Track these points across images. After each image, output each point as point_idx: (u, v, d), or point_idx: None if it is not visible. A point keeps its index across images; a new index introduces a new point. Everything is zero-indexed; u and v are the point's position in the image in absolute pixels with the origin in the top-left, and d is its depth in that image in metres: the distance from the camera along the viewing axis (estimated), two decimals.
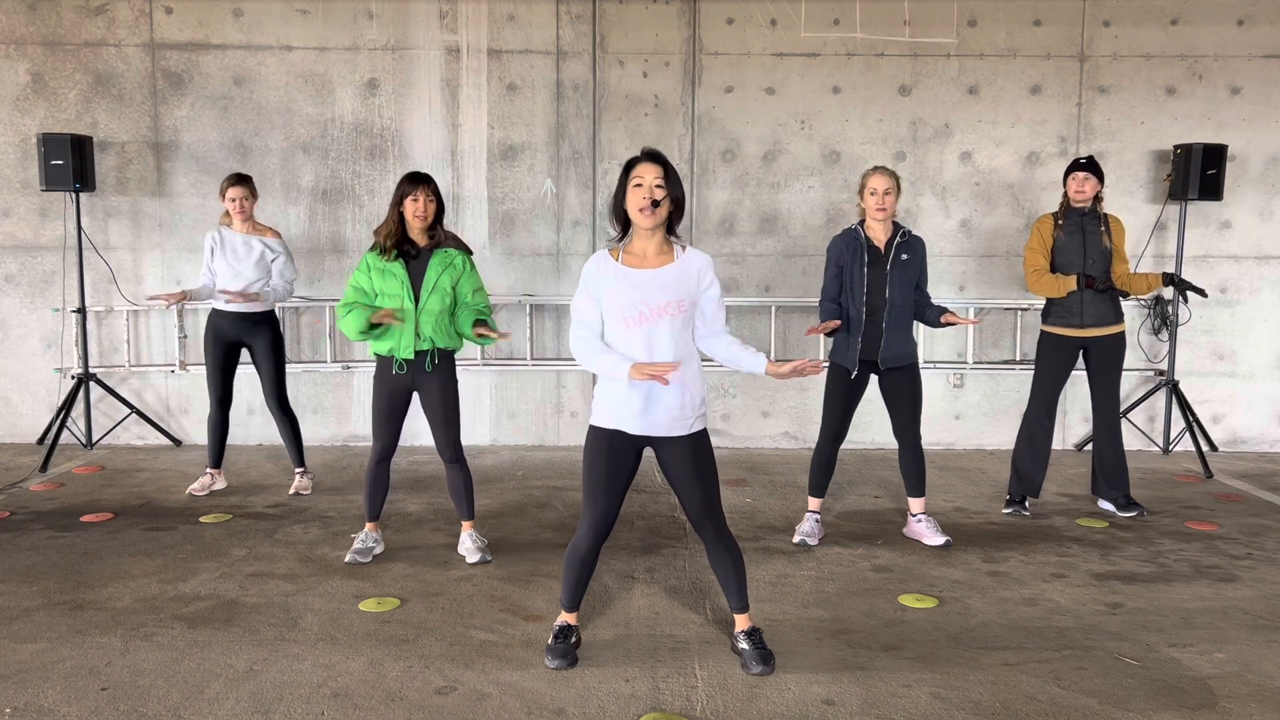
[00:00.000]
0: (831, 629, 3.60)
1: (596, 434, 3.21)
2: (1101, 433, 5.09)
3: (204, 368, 6.47)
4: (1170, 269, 6.51)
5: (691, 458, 3.17)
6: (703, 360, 3.29)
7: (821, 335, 5.40)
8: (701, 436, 3.21)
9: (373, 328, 4.08)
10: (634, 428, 3.14)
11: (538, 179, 6.56)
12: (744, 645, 3.26)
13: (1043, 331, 5.05)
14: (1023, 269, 5.03)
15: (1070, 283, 4.85)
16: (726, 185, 6.56)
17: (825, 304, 4.52)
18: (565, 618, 3.36)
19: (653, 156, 3.11)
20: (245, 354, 5.46)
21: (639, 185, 3.08)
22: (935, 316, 4.47)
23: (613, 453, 3.18)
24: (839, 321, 4.38)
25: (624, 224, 3.18)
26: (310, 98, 6.47)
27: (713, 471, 3.22)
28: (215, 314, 5.28)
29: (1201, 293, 5.06)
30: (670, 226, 3.18)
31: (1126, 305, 6.60)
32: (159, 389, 6.70)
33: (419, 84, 6.48)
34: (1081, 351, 5.01)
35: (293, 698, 3.03)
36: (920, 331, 6.39)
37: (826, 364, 4.49)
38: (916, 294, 4.51)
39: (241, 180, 5.19)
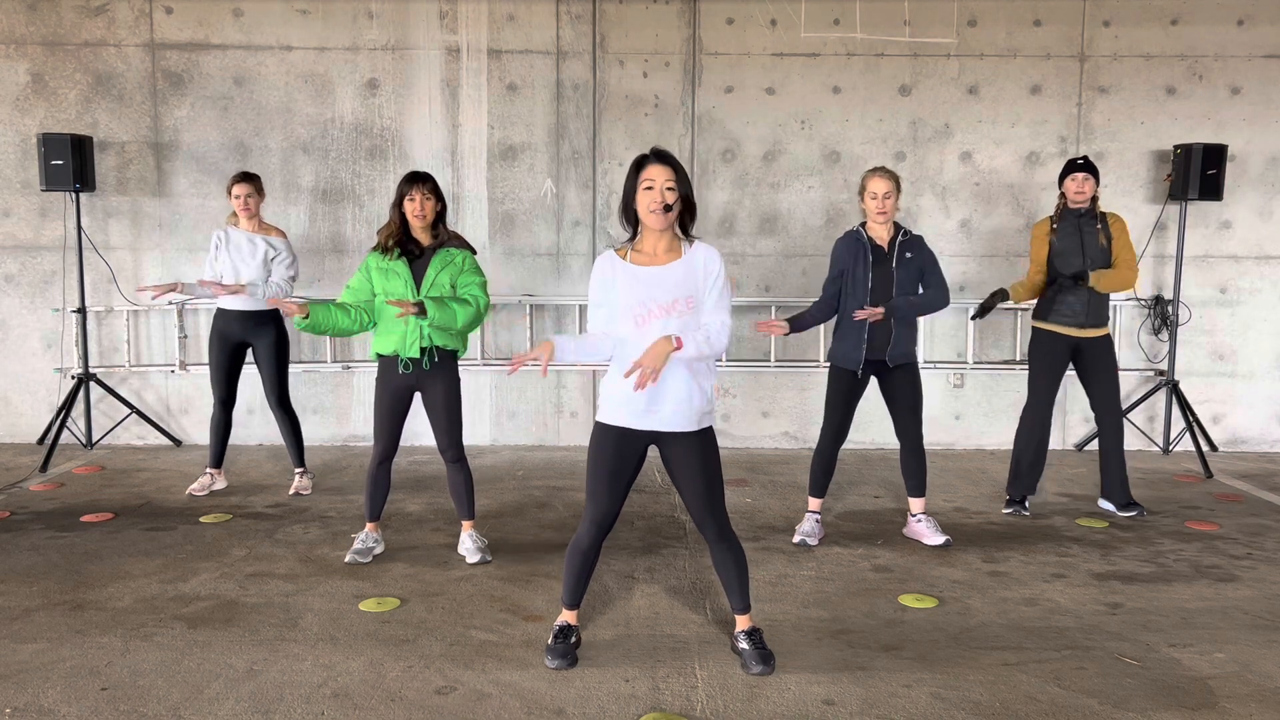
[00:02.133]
0: (831, 629, 3.60)
1: (602, 430, 3.20)
2: (1109, 435, 5.08)
3: (205, 368, 6.55)
4: (1170, 269, 6.51)
5: (698, 455, 3.17)
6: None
7: (822, 332, 5.39)
8: (708, 434, 3.21)
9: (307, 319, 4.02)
10: (641, 423, 3.14)
11: (538, 179, 6.56)
12: (744, 645, 3.26)
13: (1036, 328, 5.03)
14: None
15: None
16: (726, 185, 6.56)
17: (817, 303, 4.59)
18: (565, 617, 3.36)
19: (662, 157, 3.09)
20: (250, 354, 5.45)
21: (650, 188, 3.06)
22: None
23: (618, 449, 3.17)
24: (786, 326, 4.39)
25: (634, 224, 3.17)
26: (310, 98, 6.47)
27: (718, 470, 3.21)
28: (220, 315, 5.27)
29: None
30: (684, 226, 3.17)
31: (1127, 305, 6.61)
32: (159, 389, 6.69)
33: (419, 84, 6.48)
34: (1073, 353, 5.01)
35: (293, 698, 3.03)
36: (921, 331, 6.39)
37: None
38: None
39: (248, 178, 5.19)
